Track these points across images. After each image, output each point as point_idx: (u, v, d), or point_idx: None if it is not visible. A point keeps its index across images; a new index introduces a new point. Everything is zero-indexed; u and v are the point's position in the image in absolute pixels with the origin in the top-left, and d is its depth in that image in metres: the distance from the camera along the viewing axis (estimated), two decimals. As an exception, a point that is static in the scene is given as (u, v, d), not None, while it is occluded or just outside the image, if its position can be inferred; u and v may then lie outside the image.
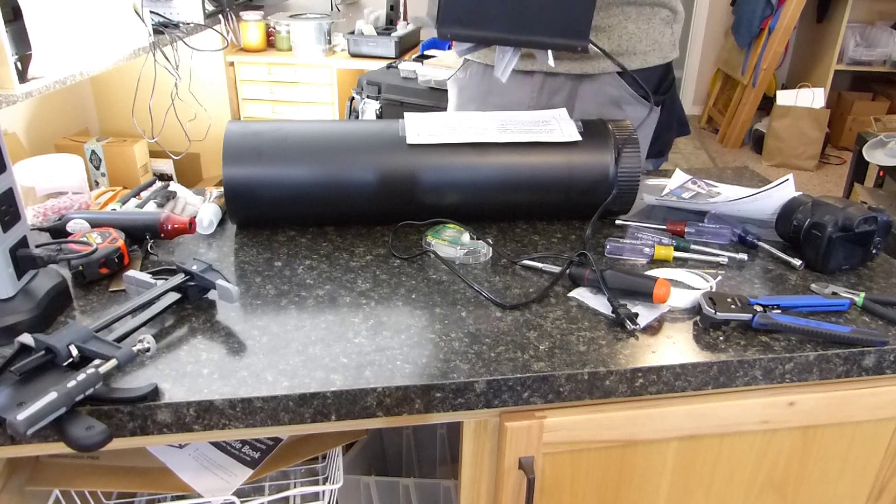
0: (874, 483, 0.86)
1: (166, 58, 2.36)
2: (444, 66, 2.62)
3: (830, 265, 0.88)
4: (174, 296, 0.77)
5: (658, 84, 1.22)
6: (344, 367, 0.69)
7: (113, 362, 0.64)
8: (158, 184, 1.07)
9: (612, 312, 0.78)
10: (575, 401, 0.72)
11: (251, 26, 3.29)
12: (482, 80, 1.27)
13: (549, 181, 0.95)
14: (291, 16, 3.39)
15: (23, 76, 1.61)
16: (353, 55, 3.27)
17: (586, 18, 0.95)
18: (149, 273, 0.81)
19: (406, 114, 1.01)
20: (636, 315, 0.77)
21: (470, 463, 0.76)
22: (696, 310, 0.80)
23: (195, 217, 0.95)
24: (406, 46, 3.31)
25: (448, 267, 0.88)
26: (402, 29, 3.35)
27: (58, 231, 0.90)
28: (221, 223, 1.00)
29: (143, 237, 0.90)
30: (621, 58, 1.15)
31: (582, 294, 0.83)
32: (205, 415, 0.65)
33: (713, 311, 0.76)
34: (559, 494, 0.78)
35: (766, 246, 0.94)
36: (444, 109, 1.32)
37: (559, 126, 0.98)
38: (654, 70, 1.20)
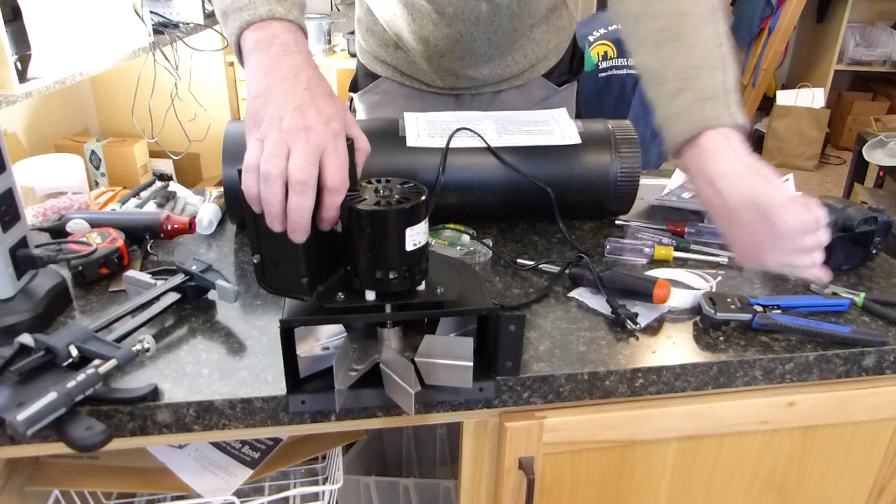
0: (874, 483, 0.86)
1: (166, 58, 2.36)
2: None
3: (830, 265, 0.88)
4: (174, 296, 0.77)
5: (571, 58, 1.23)
6: (344, 368, 0.69)
7: (113, 362, 0.64)
8: (158, 184, 1.07)
9: (612, 313, 0.78)
10: (575, 401, 0.72)
11: (251, 26, 3.28)
12: (395, 100, 1.19)
13: (548, 181, 0.95)
14: (291, 16, 3.38)
15: (23, 76, 1.61)
16: (354, 55, 3.27)
17: None
18: (149, 273, 0.81)
19: (406, 113, 1.00)
20: (636, 315, 0.77)
21: (470, 463, 0.76)
22: (696, 310, 0.80)
23: (195, 217, 0.95)
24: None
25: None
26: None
27: (58, 231, 0.90)
28: (221, 223, 1.00)
29: (142, 237, 0.90)
30: (540, 63, 1.17)
31: (582, 294, 0.83)
32: (205, 415, 0.65)
33: (713, 311, 0.76)
34: (559, 494, 0.78)
35: (766, 246, 0.94)
36: None
37: (559, 127, 0.98)
38: (566, 52, 1.21)
